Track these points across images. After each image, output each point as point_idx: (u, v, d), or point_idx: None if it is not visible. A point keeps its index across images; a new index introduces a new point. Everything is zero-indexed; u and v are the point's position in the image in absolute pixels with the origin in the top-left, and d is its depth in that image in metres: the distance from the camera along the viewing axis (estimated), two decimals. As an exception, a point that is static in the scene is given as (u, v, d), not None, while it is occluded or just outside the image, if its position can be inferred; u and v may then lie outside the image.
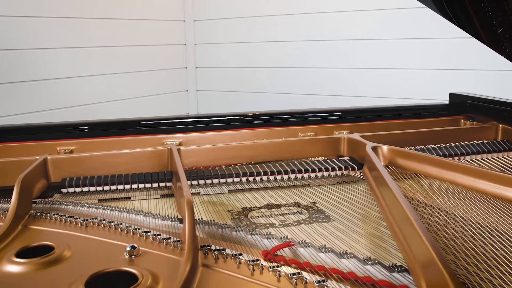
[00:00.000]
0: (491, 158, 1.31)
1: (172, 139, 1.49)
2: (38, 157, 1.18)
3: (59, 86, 2.81)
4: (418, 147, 1.34)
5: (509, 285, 0.62)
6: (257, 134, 1.53)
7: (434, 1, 1.31)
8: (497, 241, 0.78)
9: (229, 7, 3.39)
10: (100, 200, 1.13)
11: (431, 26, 2.72)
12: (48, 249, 0.80)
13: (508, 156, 1.32)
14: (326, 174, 1.25)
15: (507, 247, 0.75)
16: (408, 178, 1.15)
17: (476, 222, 0.86)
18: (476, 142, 1.36)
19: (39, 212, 0.99)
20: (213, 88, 3.62)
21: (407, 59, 2.89)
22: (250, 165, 1.28)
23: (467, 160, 1.30)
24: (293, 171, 1.24)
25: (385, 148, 1.21)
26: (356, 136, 1.34)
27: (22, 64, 2.61)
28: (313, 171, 1.24)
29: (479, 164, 1.27)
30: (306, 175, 1.24)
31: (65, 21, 2.79)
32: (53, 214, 0.97)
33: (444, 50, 2.76)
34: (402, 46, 2.87)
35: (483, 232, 0.82)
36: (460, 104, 1.71)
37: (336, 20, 3.03)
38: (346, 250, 0.78)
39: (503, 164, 1.26)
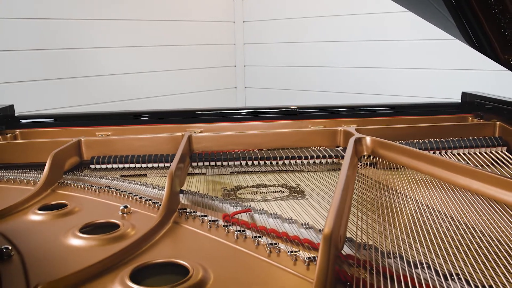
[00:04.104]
0: (479, 152, 1.40)
1: (195, 128, 1.69)
2: (73, 139, 1.43)
3: (120, 80, 3.14)
4: (409, 141, 1.45)
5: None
6: (270, 126, 1.70)
7: (460, 29, 1.41)
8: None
9: (276, 9, 3.57)
10: (121, 176, 1.35)
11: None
12: (63, 205, 1.02)
13: (496, 152, 1.40)
14: (317, 161, 1.40)
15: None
16: (399, 168, 1.26)
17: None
18: (468, 138, 1.44)
19: (66, 181, 1.23)
20: (260, 86, 3.82)
21: (436, 59, 2.93)
22: (251, 152, 1.45)
23: (454, 154, 1.39)
24: (287, 157, 1.40)
25: (368, 139, 1.33)
26: (351, 128, 1.47)
27: (87, 60, 2.95)
28: (305, 158, 1.40)
29: (467, 158, 1.36)
30: (299, 161, 1.39)
31: (129, 23, 3.13)
32: (77, 183, 1.20)
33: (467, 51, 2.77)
34: (440, 47, 2.91)
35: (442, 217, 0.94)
36: (470, 103, 1.78)
37: (375, 22, 3.11)
38: (292, 217, 0.94)
39: (491, 159, 1.34)
